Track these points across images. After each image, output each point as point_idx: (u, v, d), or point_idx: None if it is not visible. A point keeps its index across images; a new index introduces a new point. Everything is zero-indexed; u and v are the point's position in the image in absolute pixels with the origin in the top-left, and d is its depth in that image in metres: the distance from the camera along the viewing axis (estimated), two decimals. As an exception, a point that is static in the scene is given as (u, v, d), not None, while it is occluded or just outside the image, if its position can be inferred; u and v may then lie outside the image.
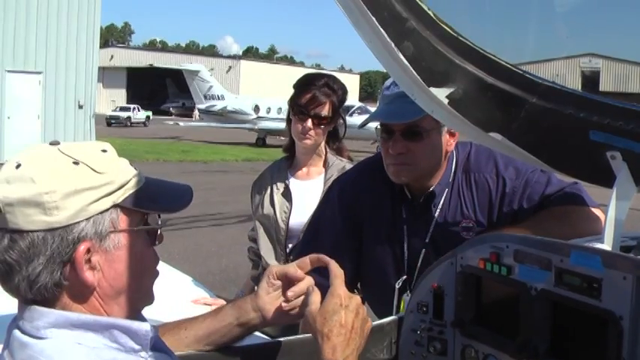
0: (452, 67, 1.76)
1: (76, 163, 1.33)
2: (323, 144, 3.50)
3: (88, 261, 1.32)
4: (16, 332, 1.33)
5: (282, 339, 1.88)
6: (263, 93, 55.74)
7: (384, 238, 2.55)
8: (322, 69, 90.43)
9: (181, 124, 44.71)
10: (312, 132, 3.37)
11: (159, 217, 1.47)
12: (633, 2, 2.24)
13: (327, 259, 1.68)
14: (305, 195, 3.42)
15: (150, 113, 60.81)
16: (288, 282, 1.72)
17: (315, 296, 1.60)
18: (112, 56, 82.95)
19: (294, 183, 3.51)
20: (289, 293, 1.70)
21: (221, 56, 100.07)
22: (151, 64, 68.14)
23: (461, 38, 1.76)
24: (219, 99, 43.82)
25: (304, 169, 3.53)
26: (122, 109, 59.18)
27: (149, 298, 1.47)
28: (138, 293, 1.42)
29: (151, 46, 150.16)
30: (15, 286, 1.31)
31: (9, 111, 22.53)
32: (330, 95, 3.38)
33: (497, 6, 2.09)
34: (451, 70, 1.77)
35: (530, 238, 1.73)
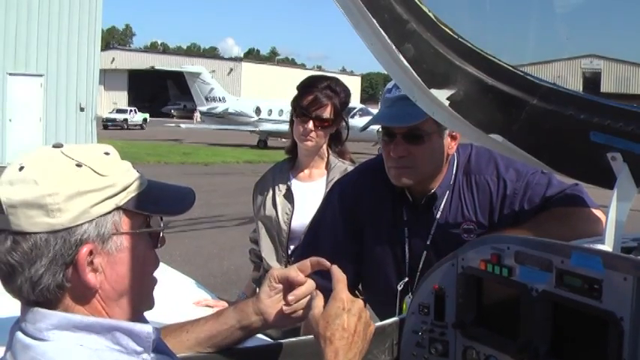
0: (452, 68, 1.77)
1: (78, 165, 1.33)
2: (325, 146, 3.50)
3: (91, 263, 1.32)
4: (19, 334, 1.33)
5: (283, 341, 1.88)
6: (264, 95, 55.77)
7: (385, 241, 2.55)
8: (323, 71, 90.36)
9: (182, 126, 44.70)
10: (313, 134, 3.38)
11: (161, 219, 1.47)
12: (634, 3, 2.24)
13: (327, 263, 1.69)
14: (307, 197, 3.42)
15: (147, 115, 60.42)
16: (289, 285, 1.72)
17: (318, 300, 1.60)
18: (113, 59, 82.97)
19: (296, 185, 3.51)
20: (290, 297, 1.70)
21: (222, 58, 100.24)
22: (152, 67, 68.19)
23: (461, 40, 1.76)
24: (220, 101, 43.87)
25: (306, 171, 3.53)
26: (119, 111, 58.76)
27: (149, 303, 1.47)
28: (140, 296, 1.42)
29: (152, 49, 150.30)
30: (17, 287, 1.31)
31: (10, 114, 22.56)
32: (332, 98, 3.38)
33: (497, 7, 2.09)
34: (452, 71, 1.77)
35: (531, 239, 1.74)
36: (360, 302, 1.59)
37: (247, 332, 1.74)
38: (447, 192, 2.48)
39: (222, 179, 21.29)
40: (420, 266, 2.46)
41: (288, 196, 3.49)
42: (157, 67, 66.83)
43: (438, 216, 2.49)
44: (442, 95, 1.78)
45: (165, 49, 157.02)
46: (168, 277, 2.23)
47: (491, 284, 1.78)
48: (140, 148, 30.33)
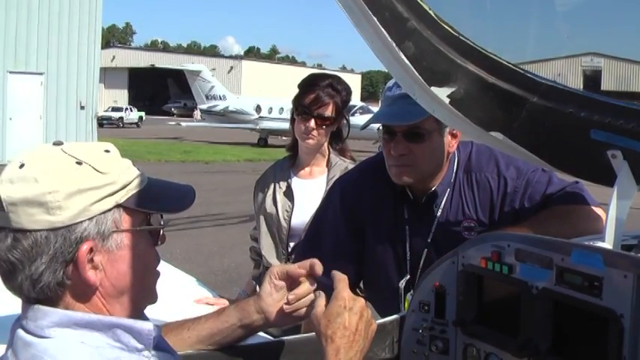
0: (453, 66, 1.77)
1: (79, 163, 1.33)
2: (326, 144, 3.50)
3: (91, 260, 1.32)
4: (20, 332, 1.34)
5: (285, 338, 1.89)
6: (265, 93, 55.68)
7: (385, 239, 2.55)
8: (324, 69, 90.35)
9: (183, 124, 44.68)
10: (314, 132, 3.38)
11: (161, 217, 1.47)
12: (634, 1, 2.24)
13: (320, 268, 1.70)
14: (307, 194, 3.43)
15: (143, 114, 59.88)
16: (290, 281, 1.72)
17: (321, 300, 1.61)
18: (113, 57, 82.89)
19: (296, 182, 3.52)
20: (290, 297, 1.71)
21: (223, 56, 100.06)
22: (153, 65, 68.14)
23: (462, 38, 1.76)
24: (220, 99, 43.81)
25: (307, 169, 3.54)
26: (114, 109, 57.99)
27: (152, 298, 1.47)
28: (140, 293, 1.42)
29: (153, 47, 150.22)
30: (18, 285, 1.31)
31: (11, 112, 22.58)
32: (334, 96, 3.38)
33: (498, 5, 2.09)
34: (452, 69, 1.77)
35: (532, 237, 1.74)
36: (361, 301, 1.59)
37: (248, 330, 1.75)
38: (448, 190, 2.48)
39: (222, 177, 21.29)
40: (421, 264, 2.46)
41: (288, 194, 3.49)
42: (157, 66, 66.76)
43: (438, 214, 2.49)
44: (442, 93, 1.78)
45: (165, 48, 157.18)
46: (169, 275, 2.22)
47: (492, 282, 1.79)
48: (140, 147, 30.33)
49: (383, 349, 2.01)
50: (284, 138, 26.59)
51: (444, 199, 2.49)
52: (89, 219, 1.32)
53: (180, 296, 2.78)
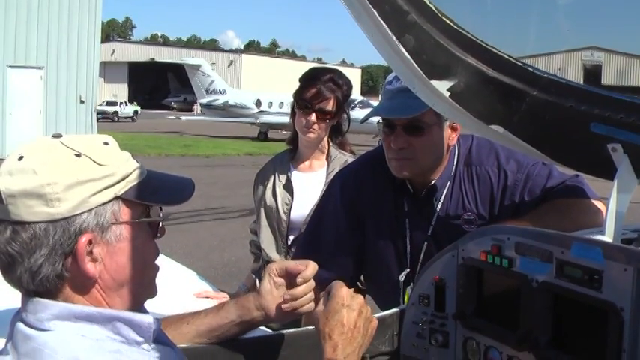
0: (453, 60, 1.76)
1: (77, 155, 1.33)
2: (326, 138, 3.50)
3: (90, 253, 1.32)
4: (20, 324, 1.34)
5: (284, 331, 1.89)
6: (265, 87, 55.65)
7: (386, 232, 2.55)
8: (324, 63, 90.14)
9: (183, 118, 44.62)
10: (315, 126, 3.37)
11: (160, 209, 1.47)
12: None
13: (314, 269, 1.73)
14: (307, 188, 3.43)
15: (138, 108, 59.05)
16: (289, 278, 1.73)
17: (324, 298, 1.62)
18: (113, 51, 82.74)
19: (295, 175, 3.52)
20: (286, 296, 1.72)
21: (222, 50, 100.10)
22: (153, 59, 68.11)
23: (462, 31, 1.76)
24: (220, 93, 43.76)
25: (307, 163, 3.54)
26: (109, 103, 56.31)
27: (151, 291, 1.47)
28: (140, 285, 1.42)
29: (153, 41, 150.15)
30: (17, 277, 1.31)
31: (11, 106, 22.56)
32: (335, 90, 3.38)
33: (498, -1, 2.09)
34: (452, 63, 1.77)
35: (531, 230, 1.74)
36: (360, 298, 1.60)
37: (248, 326, 1.76)
38: (448, 183, 2.48)
39: (222, 171, 21.29)
40: (421, 257, 2.46)
41: (288, 187, 3.49)
42: (157, 60, 66.73)
43: (438, 207, 2.49)
44: (443, 86, 1.78)
45: (165, 42, 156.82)
46: (169, 269, 2.24)
47: (492, 275, 1.79)
48: (140, 140, 30.31)
49: (383, 343, 2.02)
50: (284, 132, 26.57)
51: (444, 193, 2.49)
52: (88, 211, 1.31)
53: (181, 290, 2.78)
